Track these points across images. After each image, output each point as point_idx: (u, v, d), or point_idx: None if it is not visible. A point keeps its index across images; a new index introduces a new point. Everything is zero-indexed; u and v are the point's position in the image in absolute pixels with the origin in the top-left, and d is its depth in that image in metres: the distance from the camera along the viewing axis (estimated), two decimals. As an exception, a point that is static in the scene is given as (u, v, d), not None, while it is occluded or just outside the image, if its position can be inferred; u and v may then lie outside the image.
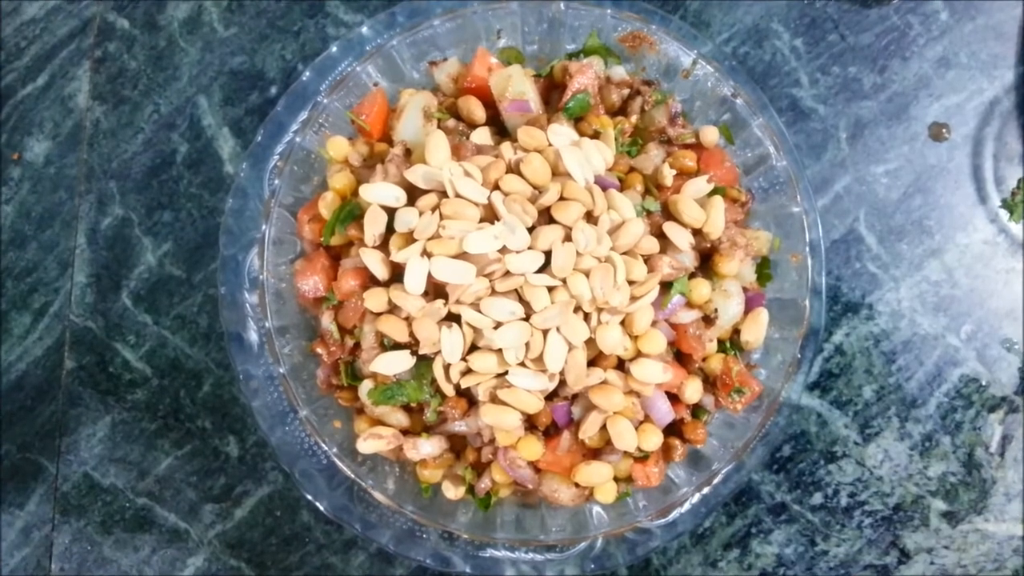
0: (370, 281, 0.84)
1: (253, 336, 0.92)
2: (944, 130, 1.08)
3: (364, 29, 0.95)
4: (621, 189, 0.85)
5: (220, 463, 1.07)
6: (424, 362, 0.83)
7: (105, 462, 1.08)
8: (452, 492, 0.89)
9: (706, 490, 0.91)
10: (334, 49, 0.95)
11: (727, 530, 1.04)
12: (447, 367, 0.82)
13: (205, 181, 1.11)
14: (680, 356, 0.87)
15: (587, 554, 0.91)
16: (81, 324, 1.10)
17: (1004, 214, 1.07)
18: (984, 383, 1.05)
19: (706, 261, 0.88)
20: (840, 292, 1.06)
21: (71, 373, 1.09)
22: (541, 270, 0.79)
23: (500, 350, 0.80)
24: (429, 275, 0.79)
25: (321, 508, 0.90)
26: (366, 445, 0.86)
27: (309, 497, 0.91)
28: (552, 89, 0.92)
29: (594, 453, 0.86)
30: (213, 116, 1.12)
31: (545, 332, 0.79)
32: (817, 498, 1.05)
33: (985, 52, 1.09)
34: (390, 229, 0.82)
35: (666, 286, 0.83)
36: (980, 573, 1.04)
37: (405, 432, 0.87)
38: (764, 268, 0.92)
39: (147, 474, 1.08)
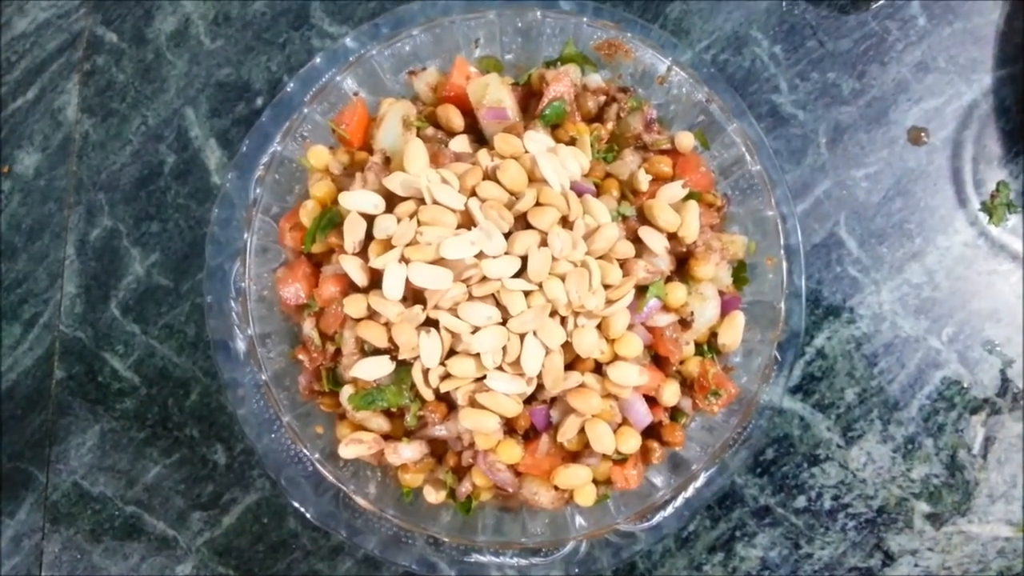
0: (350, 288, 0.85)
1: (239, 345, 0.93)
2: (923, 134, 1.09)
3: (348, 41, 0.97)
4: (597, 195, 0.86)
5: (208, 471, 1.08)
6: (404, 367, 0.84)
7: (94, 471, 1.09)
8: (433, 496, 0.89)
9: (689, 493, 0.91)
10: (318, 60, 0.96)
11: (711, 533, 1.05)
12: (426, 372, 0.82)
13: (192, 192, 1.12)
14: (657, 359, 0.88)
15: (571, 558, 0.92)
16: (70, 334, 1.11)
17: (984, 217, 1.08)
18: (966, 385, 1.06)
19: (682, 265, 0.88)
20: (821, 296, 1.07)
21: (61, 383, 1.11)
22: (518, 275, 0.80)
23: (478, 354, 0.81)
24: (407, 281, 0.80)
25: (307, 515, 0.91)
26: (347, 450, 0.87)
27: (295, 504, 0.91)
28: (530, 97, 0.93)
29: (573, 456, 0.86)
30: (200, 128, 1.13)
31: (522, 336, 0.80)
32: (801, 501, 1.05)
33: (963, 56, 1.10)
34: (369, 236, 0.83)
35: (642, 290, 0.84)
36: (964, 575, 1.04)
37: (386, 437, 0.88)
38: (740, 272, 0.93)
39: (136, 482, 1.09)
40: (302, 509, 0.91)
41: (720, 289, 0.90)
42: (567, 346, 0.82)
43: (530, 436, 0.86)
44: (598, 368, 0.85)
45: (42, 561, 1.09)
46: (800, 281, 0.93)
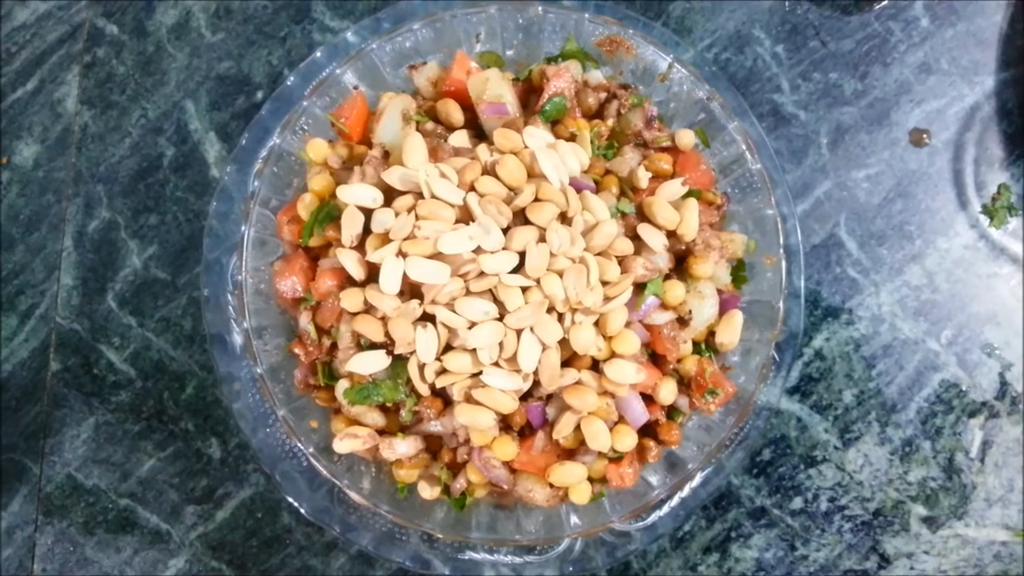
0: (347, 281, 0.85)
1: (236, 338, 0.93)
2: (925, 135, 1.09)
3: (349, 35, 0.97)
4: (596, 191, 0.86)
5: (202, 465, 1.08)
6: (400, 362, 0.83)
7: (88, 463, 1.09)
8: (427, 492, 0.89)
9: (685, 492, 0.91)
10: (319, 54, 0.96)
11: (707, 534, 1.04)
12: (422, 367, 0.82)
13: (191, 185, 1.12)
14: (655, 357, 0.88)
15: (566, 557, 0.91)
16: (67, 326, 1.11)
17: (985, 219, 1.07)
18: (964, 388, 1.05)
19: (681, 263, 0.88)
20: (820, 297, 1.07)
21: (56, 375, 1.10)
22: (515, 270, 0.80)
23: (474, 350, 0.80)
24: (404, 275, 0.79)
25: (302, 510, 0.91)
26: (342, 445, 0.86)
27: (290, 499, 0.91)
28: (530, 93, 0.93)
29: (568, 454, 0.86)
30: (200, 121, 1.13)
31: (519, 332, 0.80)
32: (797, 502, 1.05)
33: (966, 58, 1.10)
34: (367, 230, 0.83)
35: (640, 287, 0.84)
36: (961, 578, 1.03)
37: (381, 432, 0.88)
38: (739, 270, 0.93)
39: (130, 475, 1.08)
40: (296, 504, 0.91)
41: (719, 288, 0.90)
42: (564, 343, 0.82)
43: (526, 433, 0.86)
44: (595, 365, 0.84)
45: (35, 553, 1.08)
46: (799, 281, 0.93)
